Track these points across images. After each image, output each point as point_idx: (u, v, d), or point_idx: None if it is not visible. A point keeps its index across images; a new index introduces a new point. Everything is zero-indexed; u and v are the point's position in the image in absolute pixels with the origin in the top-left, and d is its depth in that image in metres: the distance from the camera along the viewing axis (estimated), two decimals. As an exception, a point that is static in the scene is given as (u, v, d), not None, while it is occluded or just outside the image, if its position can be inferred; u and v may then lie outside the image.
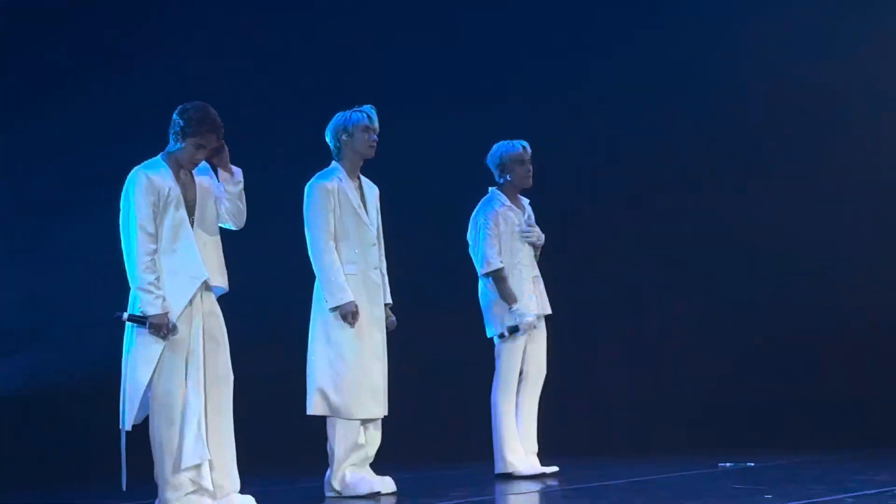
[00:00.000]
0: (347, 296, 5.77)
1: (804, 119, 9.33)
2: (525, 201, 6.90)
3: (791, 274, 9.30)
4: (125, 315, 5.25)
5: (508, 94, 9.58)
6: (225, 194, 5.32)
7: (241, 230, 5.52)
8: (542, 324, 6.88)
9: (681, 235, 9.52)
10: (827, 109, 9.24)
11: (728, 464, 7.35)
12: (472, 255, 6.78)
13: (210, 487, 5.18)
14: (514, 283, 6.74)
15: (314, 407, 5.90)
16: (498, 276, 6.61)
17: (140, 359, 5.22)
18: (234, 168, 5.35)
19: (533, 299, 6.77)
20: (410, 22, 9.55)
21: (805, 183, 9.30)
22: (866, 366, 9.14)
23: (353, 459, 5.94)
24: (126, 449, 5.28)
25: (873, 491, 5.59)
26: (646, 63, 9.56)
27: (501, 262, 6.64)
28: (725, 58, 9.44)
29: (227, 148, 5.34)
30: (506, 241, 6.72)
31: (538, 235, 6.82)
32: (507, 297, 6.60)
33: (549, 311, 6.90)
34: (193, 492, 5.16)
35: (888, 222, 9.18)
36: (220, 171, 5.33)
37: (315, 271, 5.91)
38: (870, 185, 9.21)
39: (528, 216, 6.81)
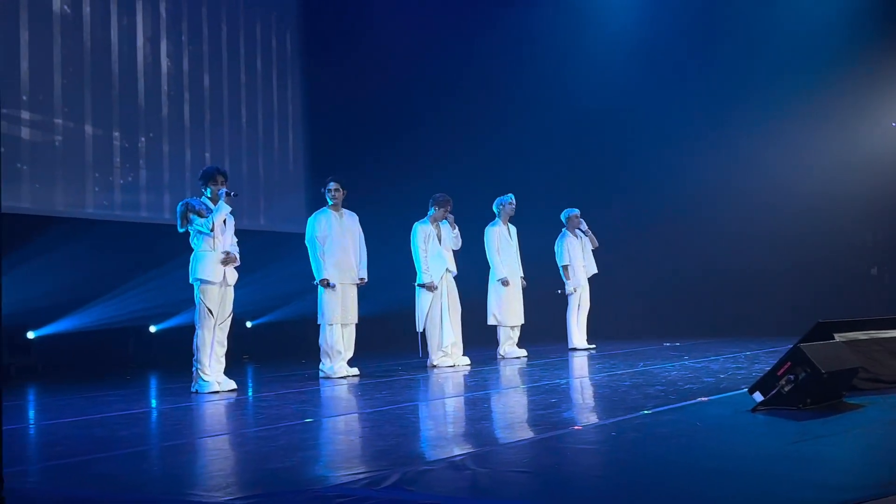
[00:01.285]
0: (503, 273, 11.20)
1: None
2: (579, 232, 11.94)
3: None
4: (416, 282, 10.27)
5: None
6: (452, 234, 10.76)
7: (461, 249, 10.46)
8: (587, 282, 12.08)
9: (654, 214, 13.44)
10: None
11: (667, 343, 11.56)
12: (556, 257, 12.02)
13: (451, 353, 10.37)
14: (572, 267, 11.77)
15: (490, 320, 11.18)
16: (564, 267, 11.82)
17: (423, 300, 10.32)
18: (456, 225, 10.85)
19: (582, 272, 11.85)
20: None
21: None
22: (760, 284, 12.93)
23: (508, 343, 11.13)
24: (420, 337, 10.05)
25: (730, 355, 9.47)
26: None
27: (566, 260, 11.85)
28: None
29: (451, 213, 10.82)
30: (572, 252, 11.85)
31: (593, 242, 11.91)
32: (565, 276, 11.76)
33: (595, 271, 12.11)
34: (444, 356, 10.29)
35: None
36: (452, 224, 10.76)
37: (490, 263, 11.14)
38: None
39: (586, 230, 11.81)
